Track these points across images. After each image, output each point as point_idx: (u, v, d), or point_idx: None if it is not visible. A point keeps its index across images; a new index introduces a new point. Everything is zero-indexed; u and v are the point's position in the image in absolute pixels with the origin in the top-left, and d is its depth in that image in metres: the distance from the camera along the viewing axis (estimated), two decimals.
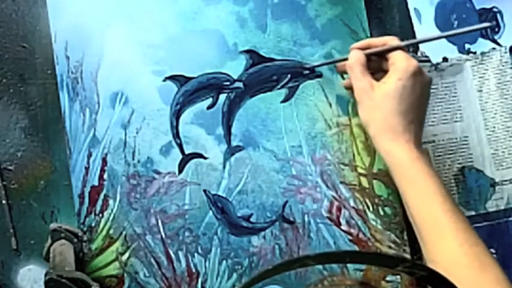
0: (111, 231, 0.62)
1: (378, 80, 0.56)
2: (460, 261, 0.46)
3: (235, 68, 0.66)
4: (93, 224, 0.62)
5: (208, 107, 0.65)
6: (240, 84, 0.66)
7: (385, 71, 0.56)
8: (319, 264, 0.33)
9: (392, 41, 0.57)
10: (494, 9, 0.73)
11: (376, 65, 0.58)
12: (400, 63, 0.52)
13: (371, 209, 0.67)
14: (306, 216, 0.66)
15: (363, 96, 0.53)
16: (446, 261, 0.36)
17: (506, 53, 0.72)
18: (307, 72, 0.67)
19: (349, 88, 0.61)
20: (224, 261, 0.64)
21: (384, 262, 0.32)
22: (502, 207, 0.71)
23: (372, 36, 0.69)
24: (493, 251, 0.70)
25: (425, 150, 0.54)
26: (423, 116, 0.55)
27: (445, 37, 0.57)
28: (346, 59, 0.59)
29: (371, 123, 0.53)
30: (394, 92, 0.51)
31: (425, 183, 0.50)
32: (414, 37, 0.70)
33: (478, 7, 0.72)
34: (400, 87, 0.51)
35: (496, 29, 0.73)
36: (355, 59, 0.55)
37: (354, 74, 0.54)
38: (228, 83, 0.66)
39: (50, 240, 0.60)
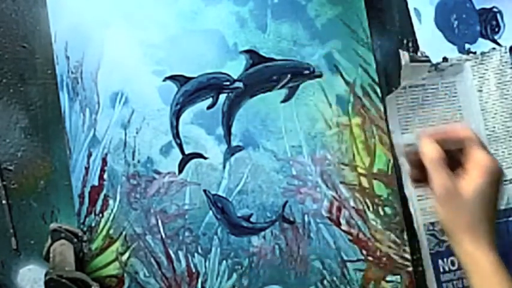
0: (111, 231, 0.62)
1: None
2: None
3: (235, 68, 0.66)
4: (93, 224, 0.62)
5: (208, 107, 0.65)
6: (240, 84, 0.66)
7: (456, 161, 0.53)
8: None
9: (466, 132, 0.53)
10: (494, 9, 0.73)
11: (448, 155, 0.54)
12: (482, 163, 0.50)
13: (371, 209, 0.67)
14: (306, 216, 0.66)
15: (445, 196, 0.51)
16: None
17: (506, 53, 0.72)
18: (307, 72, 0.67)
19: (416, 179, 0.55)
20: (224, 261, 0.64)
21: None
22: (502, 207, 0.71)
23: (371, 36, 0.69)
24: None
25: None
26: (497, 210, 0.54)
27: None
28: (415, 147, 0.54)
29: (452, 223, 0.52)
30: (478, 194, 0.50)
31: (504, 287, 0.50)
32: (414, 37, 0.70)
33: (478, 7, 0.72)
34: (483, 189, 0.50)
35: (496, 29, 0.73)
36: (437, 154, 0.51)
37: (436, 172, 0.51)
38: (228, 83, 0.66)
39: (50, 240, 0.60)
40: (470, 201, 0.49)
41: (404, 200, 0.68)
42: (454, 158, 0.52)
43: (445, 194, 0.50)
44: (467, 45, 0.72)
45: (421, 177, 0.52)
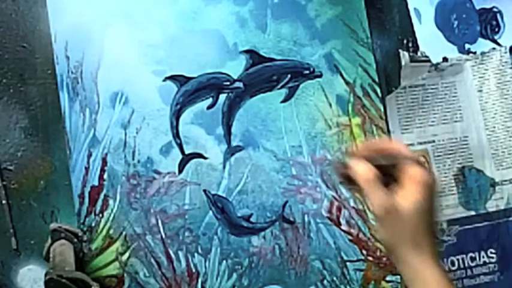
0: (111, 231, 0.62)
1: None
2: None
3: (235, 68, 0.66)
4: (93, 224, 0.62)
5: (208, 107, 0.65)
6: (240, 84, 0.66)
7: (389, 175, 0.52)
8: None
9: (398, 147, 0.53)
10: (494, 9, 0.73)
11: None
12: (417, 178, 0.50)
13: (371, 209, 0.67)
14: (306, 216, 0.66)
15: (384, 215, 0.51)
16: None
17: (506, 53, 0.72)
18: (307, 72, 0.67)
19: (346, 180, 0.54)
20: (224, 261, 0.64)
21: None
22: (502, 207, 0.71)
23: (371, 36, 0.69)
24: (493, 251, 0.70)
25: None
26: (437, 222, 0.54)
27: None
28: (345, 165, 0.53)
29: (395, 240, 0.51)
30: (417, 209, 0.49)
31: None
32: (414, 37, 0.70)
33: (478, 7, 0.72)
34: (421, 204, 0.50)
35: (496, 29, 0.73)
36: (372, 174, 0.51)
37: (372, 192, 0.50)
38: (228, 83, 0.66)
39: (50, 240, 0.60)
40: (410, 217, 0.49)
41: None
42: (386, 172, 0.51)
43: (384, 213, 0.50)
44: (467, 45, 0.72)
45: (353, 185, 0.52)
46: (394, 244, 0.51)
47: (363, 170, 0.51)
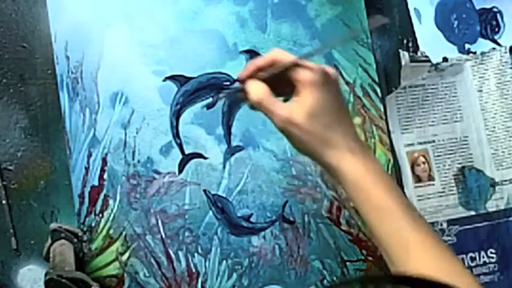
0: (111, 231, 0.62)
1: (280, 95, 0.52)
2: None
3: (235, 68, 0.66)
4: (93, 224, 0.62)
5: (208, 107, 0.65)
6: (240, 84, 0.66)
7: (281, 81, 0.51)
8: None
9: (279, 54, 0.51)
10: (494, 9, 0.73)
11: (271, 81, 0.52)
12: (304, 77, 0.48)
13: None
14: (306, 216, 0.66)
15: (288, 128, 0.49)
16: None
17: (506, 53, 0.72)
18: None
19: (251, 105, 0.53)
20: (224, 261, 0.64)
21: None
22: (502, 207, 0.71)
23: (371, 35, 0.69)
24: (493, 251, 0.70)
25: (368, 146, 0.50)
26: (349, 114, 0.52)
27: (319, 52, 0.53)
28: (241, 90, 0.53)
29: (307, 147, 0.49)
30: (312, 112, 0.48)
31: (383, 196, 0.47)
32: (414, 37, 0.70)
33: (478, 7, 0.72)
34: (315, 105, 0.48)
35: (496, 29, 0.73)
36: (260, 93, 0.50)
37: (267, 109, 0.49)
38: (228, 83, 0.66)
39: (50, 240, 0.60)
40: (308, 123, 0.48)
41: None
42: (284, 84, 0.51)
43: (284, 126, 0.49)
44: (467, 45, 0.72)
45: None
46: (310, 152, 0.50)
47: (253, 91, 0.50)
